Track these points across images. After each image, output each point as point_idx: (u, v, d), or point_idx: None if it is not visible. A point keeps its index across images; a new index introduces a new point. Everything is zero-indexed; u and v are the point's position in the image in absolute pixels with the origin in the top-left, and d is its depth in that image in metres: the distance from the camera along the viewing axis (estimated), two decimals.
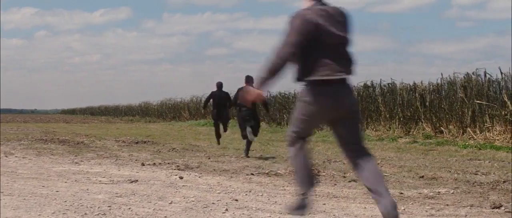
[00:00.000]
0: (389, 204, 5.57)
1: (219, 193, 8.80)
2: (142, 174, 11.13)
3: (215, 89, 19.51)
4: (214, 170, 12.18)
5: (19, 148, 17.54)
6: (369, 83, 29.76)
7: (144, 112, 77.29)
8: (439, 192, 9.11)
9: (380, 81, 29.12)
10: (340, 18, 5.73)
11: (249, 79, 16.47)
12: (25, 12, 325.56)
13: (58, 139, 22.18)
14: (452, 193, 9.03)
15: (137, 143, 20.72)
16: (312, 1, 5.75)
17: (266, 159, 14.62)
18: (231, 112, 22.62)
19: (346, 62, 5.68)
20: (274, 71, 5.59)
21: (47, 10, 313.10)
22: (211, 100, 19.81)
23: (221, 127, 20.06)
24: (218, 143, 19.69)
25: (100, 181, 10.04)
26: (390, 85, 28.45)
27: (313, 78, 5.59)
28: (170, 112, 64.86)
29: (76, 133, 28.90)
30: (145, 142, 20.94)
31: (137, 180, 10.05)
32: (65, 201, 7.67)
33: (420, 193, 8.95)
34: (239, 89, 16.88)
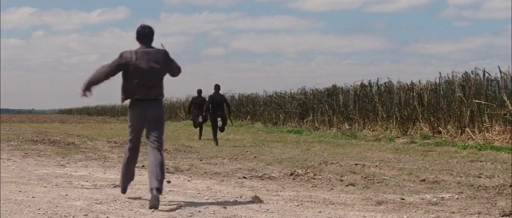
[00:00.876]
0: (154, 187, 7.49)
1: (207, 199, 8.23)
2: None
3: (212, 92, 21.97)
4: (205, 173, 11.62)
5: (6, 149, 16.99)
6: (366, 82, 29.28)
7: None
8: (443, 197, 8.56)
9: (377, 80, 28.66)
10: (154, 57, 7.83)
11: (217, 88, 21.57)
12: (23, 12, 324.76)
13: (49, 139, 21.69)
14: (457, 198, 8.48)
15: None
16: (139, 45, 7.93)
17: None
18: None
19: (151, 87, 7.83)
20: (94, 81, 7.89)
21: (45, 10, 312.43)
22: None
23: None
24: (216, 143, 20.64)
25: (82, 185, 9.48)
26: (387, 84, 27.95)
27: (131, 98, 7.89)
28: (166, 112, 64.27)
29: (69, 133, 28.39)
30: None
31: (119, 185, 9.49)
32: (39, 209, 7.11)
33: (422, 199, 8.40)
34: (210, 96, 21.77)
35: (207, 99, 22.88)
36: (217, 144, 20.32)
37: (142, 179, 10.35)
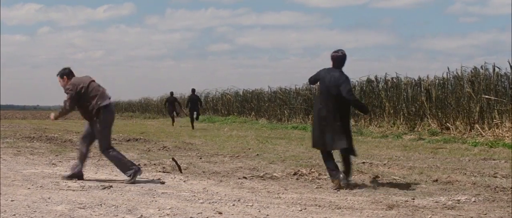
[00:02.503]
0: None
1: (202, 203, 7.54)
2: (120, 178, 9.90)
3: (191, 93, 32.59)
4: (203, 172, 10.98)
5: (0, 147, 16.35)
6: (372, 77, 28.63)
7: (144, 108, 76.09)
8: (458, 200, 7.89)
9: (385, 75, 27.98)
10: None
11: (193, 90, 32.30)
12: (29, 8, 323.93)
13: (46, 136, 21.02)
14: (474, 201, 7.82)
15: (128, 140, 19.54)
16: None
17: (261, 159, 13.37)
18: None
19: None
20: (64, 114, 10.12)
21: (51, 6, 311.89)
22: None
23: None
24: (193, 128, 30.12)
25: (68, 187, 8.81)
26: (394, 80, 27.28)
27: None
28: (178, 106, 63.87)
29: (68, 130, 27.74)
30: (136, 140, 19.76)
31: (111, 186, 8.82)
32: (14, 215, 6.45)
33: (437, 202, 7.72)
34: (189, 96, 32.91)
35: (186, 98, 35.94)
36: (193, 128, 29.76)
37: (135, 179, 9.74)
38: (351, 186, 8.99)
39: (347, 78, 9.15)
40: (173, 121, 34.28)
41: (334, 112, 9.10)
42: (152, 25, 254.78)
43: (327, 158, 9.37)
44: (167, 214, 6.66)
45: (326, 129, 9.13)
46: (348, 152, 9.34)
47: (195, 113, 30.89)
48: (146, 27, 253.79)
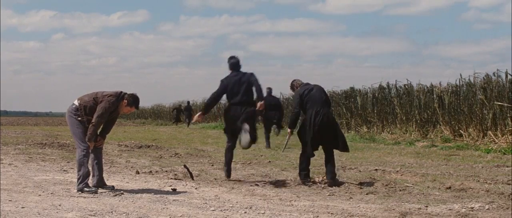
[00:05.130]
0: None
1: (213, 210, 7.49)
2: (132, 185, 9.88)
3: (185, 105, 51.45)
4: (215, 179, 10.94)
5: (12, 153, 16.36)
6: (384, 84, 28.54)
7: (157, 115, 76.34)
8: (472, 207, 7.81)
9: (396, 82, 27.90)
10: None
11: (188, 102, 50.50)
12: (43, 15, 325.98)
13: (58, 143, 21.01)
14: (488, 209, 7.74)
15: (140, 147, 19.50)
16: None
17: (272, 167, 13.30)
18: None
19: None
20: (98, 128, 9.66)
21: (65, 13, 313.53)
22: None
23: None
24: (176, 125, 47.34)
25: (79, 194, 8.79)
26: (406, 86, 27.19)
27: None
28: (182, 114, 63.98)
29: None
30: (148, 147, 19.73)
31: (122, 193, 8.79)
32: None
33: (450, 210, 7.65)
34: (185, 106, 50.48)
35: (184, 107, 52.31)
36: (188, 126, 44.03)
37: (147, 186, 9.71)
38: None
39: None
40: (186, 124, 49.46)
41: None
42: (166, 32, 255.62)
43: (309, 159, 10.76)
44: None
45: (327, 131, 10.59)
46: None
47: (187, 119, 46.82)
48: (160, 34, 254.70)
